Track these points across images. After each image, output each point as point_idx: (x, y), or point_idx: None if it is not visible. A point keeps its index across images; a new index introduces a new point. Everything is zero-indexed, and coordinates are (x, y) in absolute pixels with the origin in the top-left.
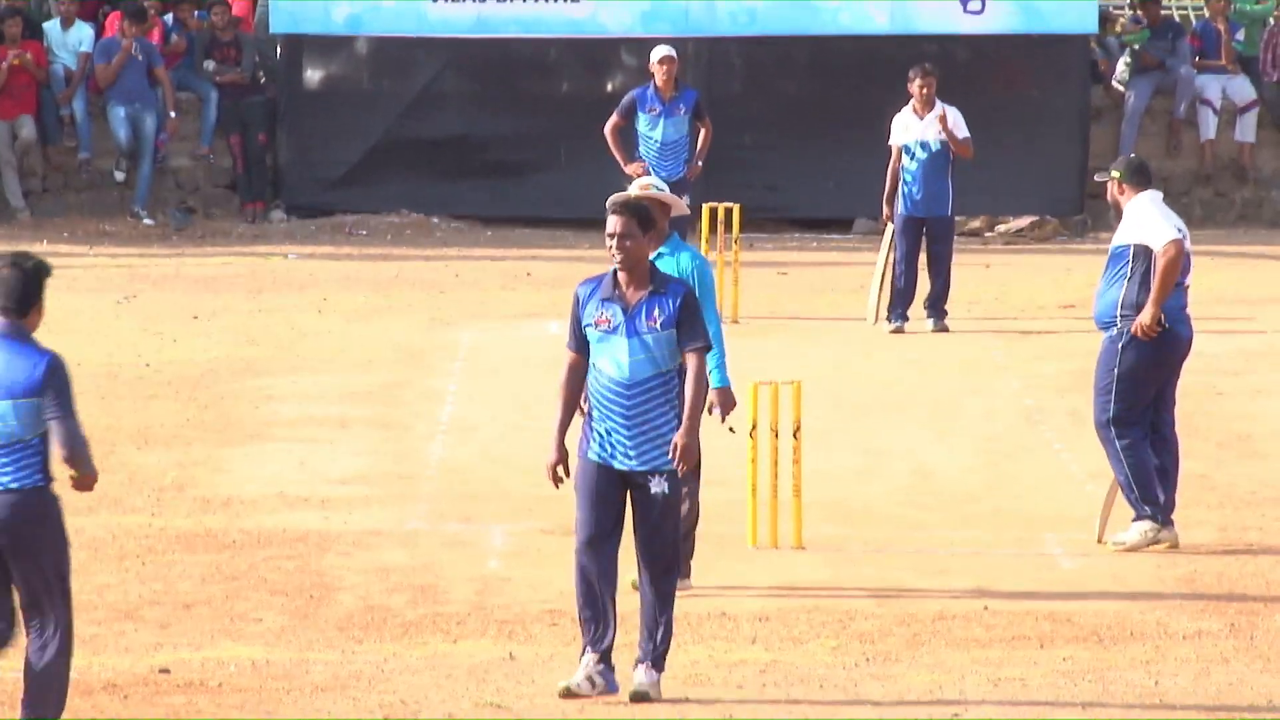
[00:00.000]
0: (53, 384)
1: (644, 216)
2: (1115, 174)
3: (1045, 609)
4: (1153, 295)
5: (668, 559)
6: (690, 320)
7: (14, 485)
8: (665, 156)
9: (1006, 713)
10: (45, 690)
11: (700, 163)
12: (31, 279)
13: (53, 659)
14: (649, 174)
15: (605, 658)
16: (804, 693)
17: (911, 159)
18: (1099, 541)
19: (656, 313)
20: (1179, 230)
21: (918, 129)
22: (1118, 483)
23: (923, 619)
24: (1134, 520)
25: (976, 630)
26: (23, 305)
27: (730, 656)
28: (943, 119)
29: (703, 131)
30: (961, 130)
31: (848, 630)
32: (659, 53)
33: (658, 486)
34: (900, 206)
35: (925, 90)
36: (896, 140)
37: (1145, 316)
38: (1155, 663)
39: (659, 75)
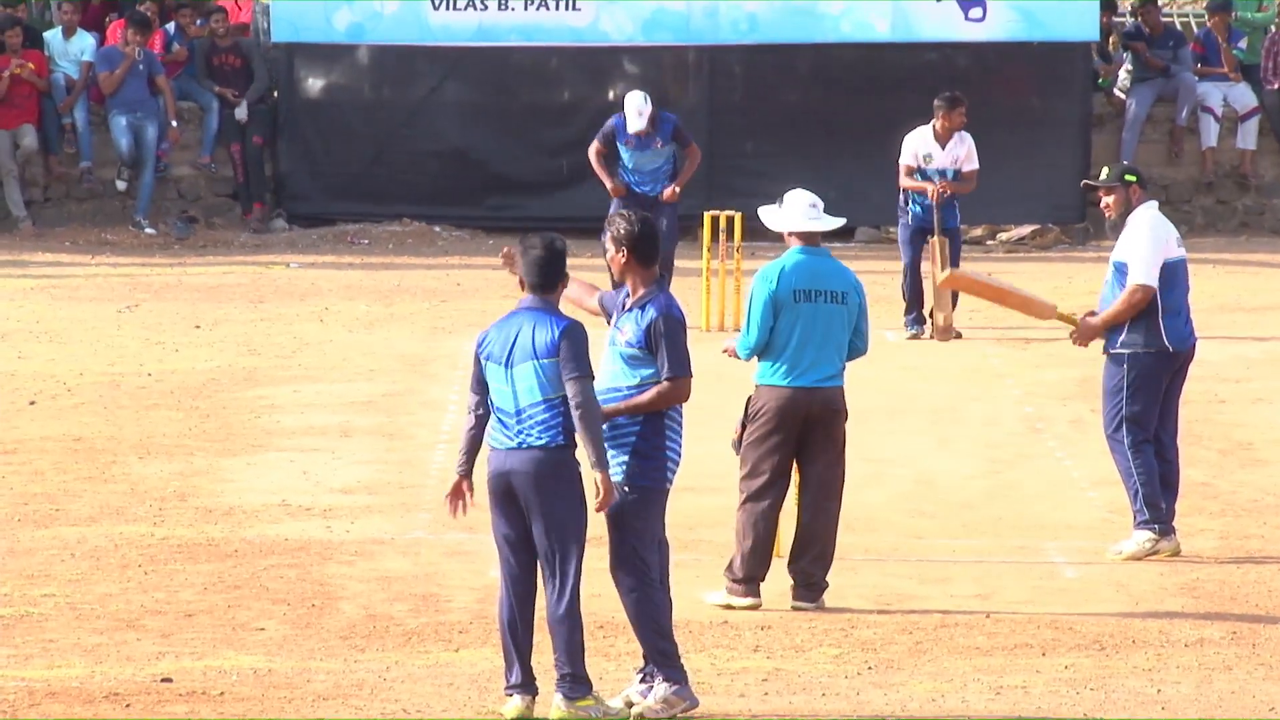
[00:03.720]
0: (567, 345)
1: (616, 233)
2: (1132, 178)
3: (1047, 617)
4: (1103, 317)
5: (626, 574)
6: (659, 348)
7: (539, 443)
8: (644, 181)
9: None
10: (565, 643)
11: (679, 188)
12: (559, 258)
13: (562, 617)
14: (629, 192)
15: (645, 678)
16: (806, 701)
17: (922, 194)
18: None
19: (629, 328)
20: (1163, 262)
21: (939, 157)
22: (1125, 490)
23: (925, 627)
24: (1135, 528)
25: (979, 638)
26: (551, 280)
27: (732, 665)
28: (970, 171)
29: (688, 158)
30: (974, 163)
31: (850, 638)
32: (636, 108)
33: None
34: (909, 219)
35: (955, 122)
36: (912, 162)
37: (1089, 330)
38: (1157, 670)
39: (636, 125)
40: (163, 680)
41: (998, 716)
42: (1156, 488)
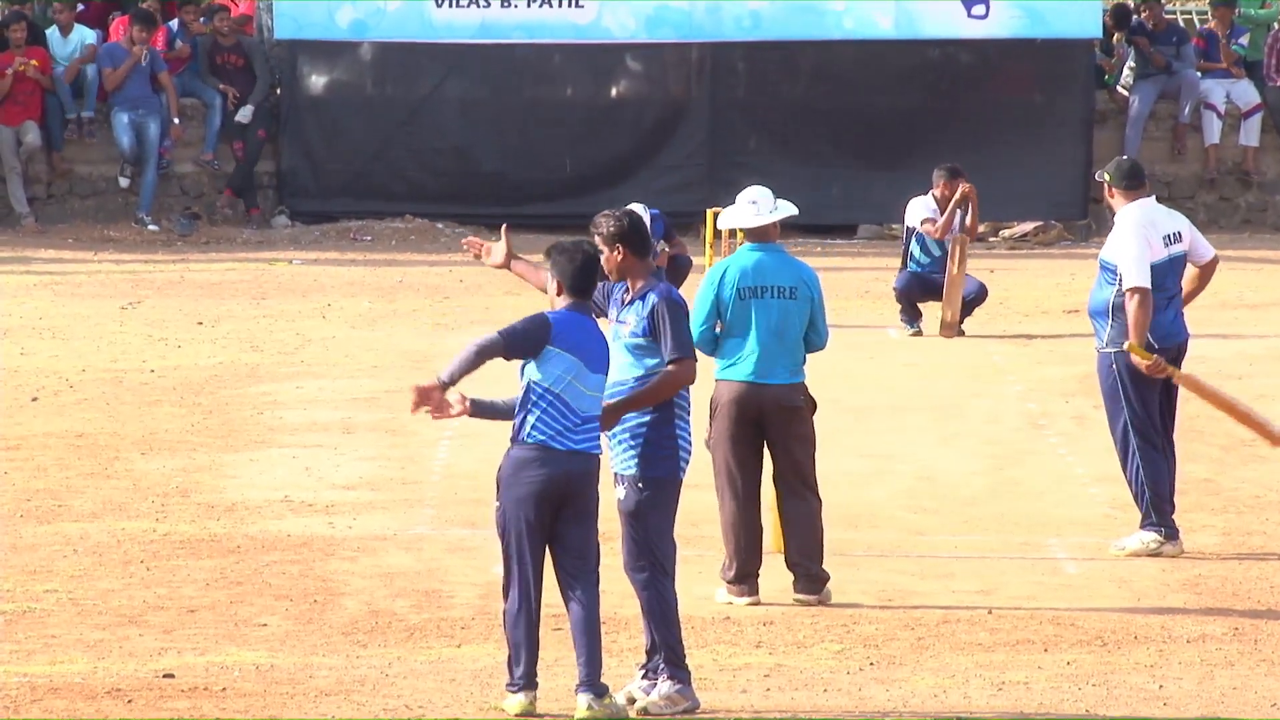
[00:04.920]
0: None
1: (605, 233)
2: (1106, 177)
3: (1049, 613)
4: (1132, 340)
5: (640, 570)
6: (661, 331)
7: (597, 451)
8: None
9: (1010, 717)
10: (595, 643)
11: (667, 249)
12: (597, 264)
13: (596, 617)
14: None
15: (647, 674)
16: (808, 697)
17: (925, 253)
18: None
19: (632, 319)
20: (1152, 264)
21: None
22: (1130, 489)
23: (927, 623)
24: (1141, 528)
25: (981, 634)
26: (592, 286)
27: (734, 661)
28: (973, 198)
29: (677, 246)
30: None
31: (852, 634)
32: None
33: (618, 492)
34: (912, 264)
35: (954, 190)
36: (915, 224)
37: (1139, 364)
38: (1159, 667)
39: None
40: (165, 676)
41: (1000, 713)
42: (1164, 493)
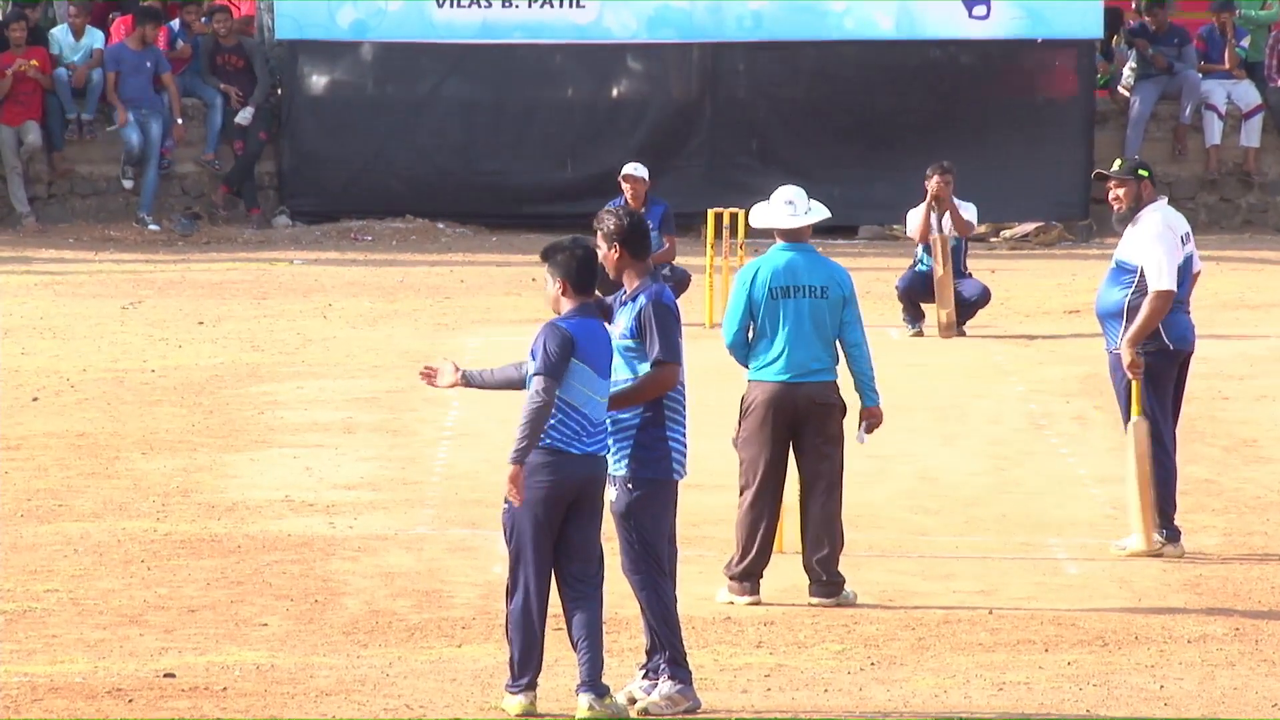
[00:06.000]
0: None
1: (606, 230)
2: (1145, 173)
3: (1050, 613)
4: (1130, 335)
5: (636, 572)
6: (647, 334)
7: (602, 452)
8: None
9: (1011, 717)
10: (598, 644)
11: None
12: (596, 258)
13: (601, 619)
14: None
15: (648, 674)
16: (808, 697)
17: (931, 255)
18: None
19: (623, 320)
20: (1178, 267)
21: (945, 225)
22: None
23: (928, 623)
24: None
25: (981, 634)
26: (594, 281)
27: (735, 661)
28: (943, 195)
29: (665, 245)
30: (968, 214)
31: (852, 634)
32: (629, 169)
33: (610, 494)
34: (920, 265)
35: (945, 188)
36: (915, 234)
37: (1126, 357)
38: (1160, 667)
39: (627, 191)
40: (165, 676)
41: (1000, 713)
42: (1169, 494)
